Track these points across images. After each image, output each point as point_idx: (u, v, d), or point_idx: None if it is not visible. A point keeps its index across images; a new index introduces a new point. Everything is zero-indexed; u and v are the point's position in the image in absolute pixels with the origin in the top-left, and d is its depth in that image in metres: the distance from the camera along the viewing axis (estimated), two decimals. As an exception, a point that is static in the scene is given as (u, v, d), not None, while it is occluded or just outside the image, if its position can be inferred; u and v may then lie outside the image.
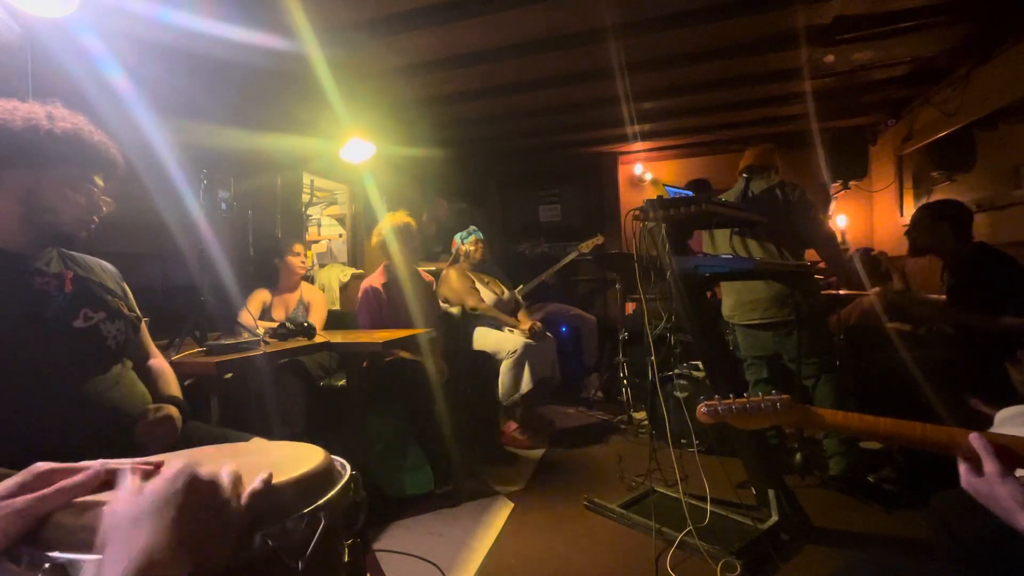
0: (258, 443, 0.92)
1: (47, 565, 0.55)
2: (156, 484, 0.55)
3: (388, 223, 2.91)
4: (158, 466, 0.62)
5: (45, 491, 0.58)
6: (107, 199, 1.20)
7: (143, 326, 1.36)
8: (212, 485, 0.57)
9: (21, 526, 0.56)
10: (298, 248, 2.89)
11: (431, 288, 3.19)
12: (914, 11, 2.69)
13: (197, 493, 0.55)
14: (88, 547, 0.55)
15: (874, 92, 3.86)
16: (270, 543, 0.60)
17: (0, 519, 0.55)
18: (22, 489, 0.58)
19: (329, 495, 0.71)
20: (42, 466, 0.61)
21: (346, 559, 0.78)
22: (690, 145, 5.34)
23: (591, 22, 2.71)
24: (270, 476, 0.65)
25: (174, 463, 0.58)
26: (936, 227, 2.42)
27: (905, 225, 2.62)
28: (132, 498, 0.54)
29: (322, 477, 0.74)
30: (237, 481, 0.61)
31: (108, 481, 0.63)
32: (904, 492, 2.28)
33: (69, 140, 1.09)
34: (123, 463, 0.64)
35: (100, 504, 0.58)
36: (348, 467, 0.81)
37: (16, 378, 1.01)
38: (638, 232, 2.03)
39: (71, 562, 0.55)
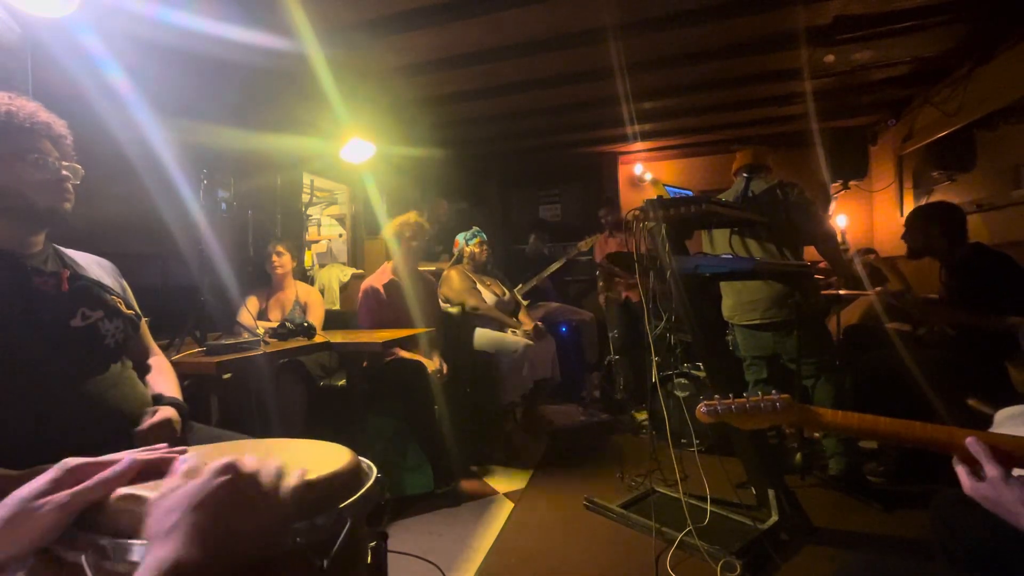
0: (285, 441, 0.91)
1: (91, 548, 0.57)
2: (196, 481, 0.55)
3: (401, 221, 2.91)
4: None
5: (87, 483, 0.61)
6: (74, 165, 1.15)
7: (143, 324, 1.36)
8: (253, 480, 0.57)
9: (64, 520, 0.59)
10: (273, 248, 2.89)
11: (433, 288, 3.19)
12: (914, 11, 2.70)
13: (236, 489, 0.55)
14: (129, 532, 0.58)
15: (874, 92, 3.86)
16: (298, 540, 0.61)
17: (45, 514, 0.58)
18: (57, 485, 0.61)
19: (358, 494, 0.71)
20: (72, 461, 0.63)
21: (368, 560, 0.78)
22: (690, 145, 5.34)
23: (591, 22, 2.71)
24: (304, 471, 0.65)
25: (217, 458, 0.58)
26: (928, 229, 2.43)
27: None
28: (171, 496, 0.55)
29: (350, 476, 0.74)
30: (280, 475, 0.61)
31: (142, 471, 0.65)
32: (893, 485, 2.30)
33: None
34: (154, 452, 0.68)
35: (136, 495, 0.61)
36: (375, 469, 0.81)
37: (14, 379, 1.00)
38: (638, 232, 2.03)
39: (115, 545, 0.57)
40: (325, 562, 0.62)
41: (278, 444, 0.90)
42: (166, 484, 0.57)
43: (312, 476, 0.67)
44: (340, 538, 0.64)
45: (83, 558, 0.56)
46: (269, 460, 0.62)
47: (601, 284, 4.03)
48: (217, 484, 0.54)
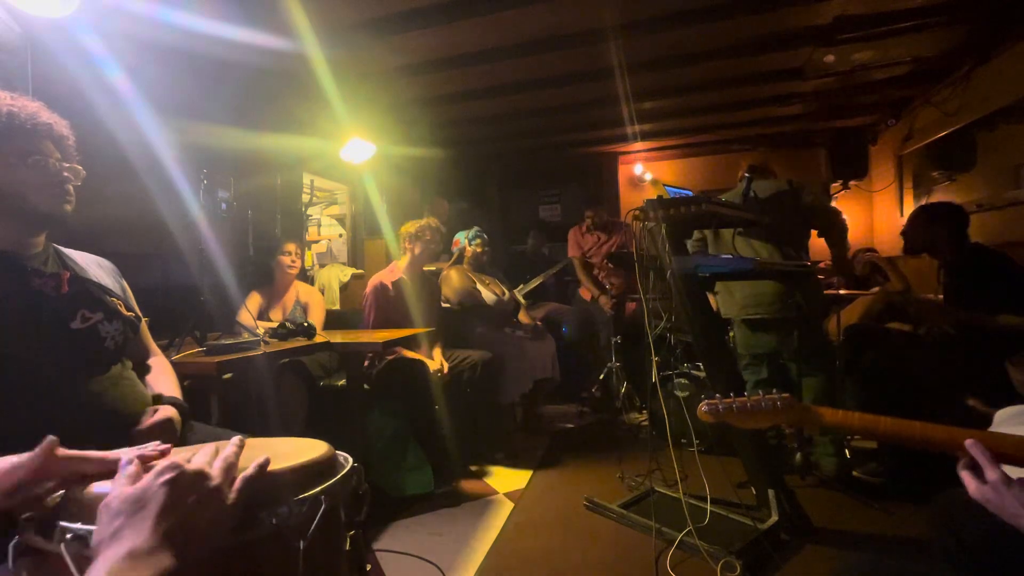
0: (265, 439, 0.94)
1: (69, 536, 0.59)
2: (141, 482, 0.59)
3: (422, 223, 2.93)
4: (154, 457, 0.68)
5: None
6: (75, 166, 1.14)
7: (143, 325, 1.36)
8: (199, 476, 0.61)
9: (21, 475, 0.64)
10: (288, 248, 2.88)
11: (437, 288, 3.20)
12: (914, 11, 2.70)
13: (181, 487, 0.58)
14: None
15: (874, 92, 3.86)
16: (273, 521, 0.64)
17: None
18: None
19: (331, 481, 0.74)
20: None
21: (347, 547, 0.81)
22: (690, 145, 5.34)
23: (591, 22, 2.72)
24: (266, 461, 0.68)
25: (164, 460, 0.62)
26: (932, 228, 2.43)
27: (905, 225, 2.64)
28: (119, 498, 0.58)
29: (325, 466, 0.78)
30: (229, 468, 0.64)
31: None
32: (892, 485, 2.30)
33: None
34: (131, 451, 0.70)
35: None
36: (351, 460, 0.84)
37: (14, 380, 1.00)
38: (638, 232, 2.03)
39: (90, 533, 0.59)
40: (302, 543, 0.66)
41: (258, 442, 0.93)
42: (112, 488, 0.60)
43: (283, 465, 0.71)
44: (316, 520, 0.68)
45: (63, 547, 0.58)
46: (217, 457, 0.65)
47: (608, 288, 4.02)
48: (159, 484, 0.58)
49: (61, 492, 0.69)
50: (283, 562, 0.66)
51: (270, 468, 0.69)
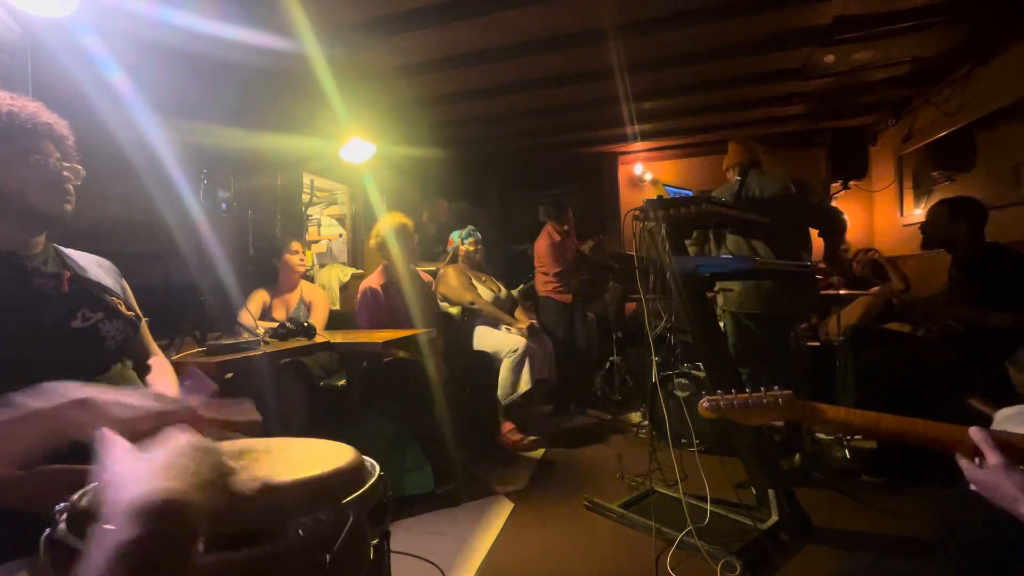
0: (290, 440, 0.92)
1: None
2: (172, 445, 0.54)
3: (385, 224, 2.90)
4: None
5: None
6: (75, 166, 1.14)
7: (143, 325, 1.36)
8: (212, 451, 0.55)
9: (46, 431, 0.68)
10: (296, 247, 2.88)
11: (430, 288, 3.19)
12: (914, 11, 2.70)
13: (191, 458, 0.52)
14: None
15: (874, 92, 3.86)
16: (301, 533, 0.63)
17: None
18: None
19: (360, 492, 0.73)
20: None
21: (371, 557, 0.80)
22: (690, 145, 5.34)
23: (591, 22, 2.72)
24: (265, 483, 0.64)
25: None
26: (955, 224, 2.43)
27: (907, 225, 2.64)
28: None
29: (354, 474, 0.76)
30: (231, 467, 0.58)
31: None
32: (893, 484, 2.32)
33: None
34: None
35: None
36: (377, 467, 0.83)
37: (14, 380, 1.00)
38: (638, 232, 2.03)
39: None
40: (328, 557, 0.64)
41: (283, 443, 0.91)
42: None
43: (313, 473, 0.70)
44: (343, 533, 0.66)
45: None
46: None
47: (612, 286, 4.00)
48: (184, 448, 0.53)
49: (93, 486, 0.68)
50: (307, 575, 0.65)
51: (297, 476, 0.68)
